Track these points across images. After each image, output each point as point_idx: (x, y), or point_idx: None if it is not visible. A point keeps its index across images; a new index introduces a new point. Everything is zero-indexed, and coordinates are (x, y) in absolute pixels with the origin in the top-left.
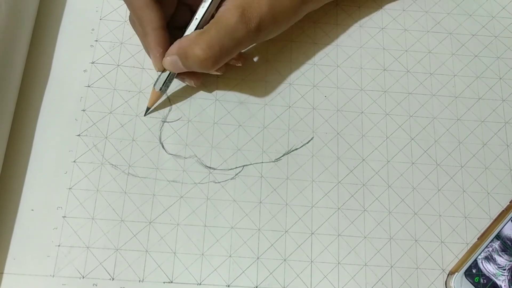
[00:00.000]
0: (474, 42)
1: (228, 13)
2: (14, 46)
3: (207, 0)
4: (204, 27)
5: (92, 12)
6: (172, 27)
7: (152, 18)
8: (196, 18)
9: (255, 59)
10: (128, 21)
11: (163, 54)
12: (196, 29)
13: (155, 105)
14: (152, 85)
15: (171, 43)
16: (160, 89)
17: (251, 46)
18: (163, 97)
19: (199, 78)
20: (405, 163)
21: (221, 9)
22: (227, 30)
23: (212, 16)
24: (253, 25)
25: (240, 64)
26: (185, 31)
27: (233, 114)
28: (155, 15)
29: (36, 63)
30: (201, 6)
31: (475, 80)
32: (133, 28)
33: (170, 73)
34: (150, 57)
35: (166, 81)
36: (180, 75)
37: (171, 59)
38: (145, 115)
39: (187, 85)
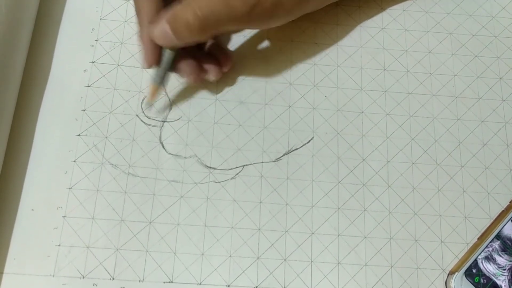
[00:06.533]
0: (474, 42)
1: None
2: (14, 46)
3: None
4: None
5: (92, 12)
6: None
7: (149, 12)
8: None
9: (255, 58)
10: (128, 21)
11: (155, 49)
12: None
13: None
14: (150, 82)
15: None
16: (159, 82)
17: (247, 28)
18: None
19: (198, 75)
20: (405, 163)
21: None
22: None
23: None
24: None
25: (225, 70)
26: None
27: (233, 114)
28: (154, 8)
29: (36, 63)
30: None
31: (475, 80)
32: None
33: (165, 60)
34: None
35: (162, 70)
36: (202, 69)
37: (161, 27)
38: (144, 110)
39: (187, 84)
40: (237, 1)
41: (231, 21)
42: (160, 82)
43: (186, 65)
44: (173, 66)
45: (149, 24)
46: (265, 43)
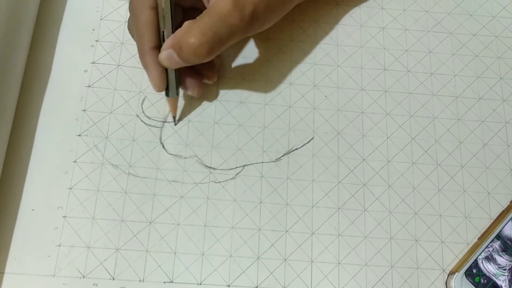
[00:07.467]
0: (475, 42)
1: (222, 2)
2: (14, 46)
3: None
4: (197, 17)
5: (92, 12)
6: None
7: (150, 37)
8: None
9: (256, 58)
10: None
11: (162, 73)
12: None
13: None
14: (164, 95)
15: None
16: (171, 94)
17: (245, 36)
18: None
19: (201, 88)
20: (405, 163)
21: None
22: (220, 18)
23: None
24: (247, 12)
25: (210, 82)
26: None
27: (234, 114)
28: (155, 34)
29: (36, 63)
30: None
31: (476, 80)
32: (131, 35)
33: (174, 73)
34: (147, 73)
35: (173, 83)
36: (183, 85)
37: (166, 53)
38: (176, 124)
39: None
40: (235, 19)
41: (232, 38)
42: (176, 94)
43: (188, 80)
44: (178, 79)
45: (150, 49)
46: (265, 43)
